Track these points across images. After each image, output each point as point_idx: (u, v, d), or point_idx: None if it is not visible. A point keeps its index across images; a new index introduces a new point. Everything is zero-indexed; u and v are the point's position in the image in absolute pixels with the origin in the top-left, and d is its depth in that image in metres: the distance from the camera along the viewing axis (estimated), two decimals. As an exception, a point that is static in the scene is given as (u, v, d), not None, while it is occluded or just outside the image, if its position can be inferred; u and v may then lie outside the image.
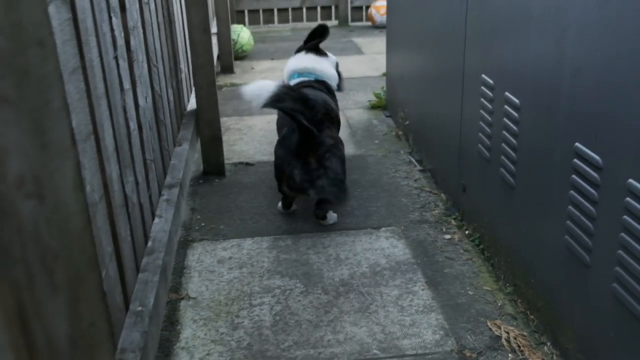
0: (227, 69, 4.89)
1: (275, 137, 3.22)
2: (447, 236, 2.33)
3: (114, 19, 1.54)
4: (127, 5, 1.71)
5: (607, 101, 1.35)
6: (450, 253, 2.22)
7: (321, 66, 2.91)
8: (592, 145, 1.41)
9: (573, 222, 1.51)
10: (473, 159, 2.24)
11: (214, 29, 4.86)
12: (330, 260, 2.21)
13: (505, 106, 1.88)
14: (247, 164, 3.10)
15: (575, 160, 1.48)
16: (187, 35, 2.87)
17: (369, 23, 6.78)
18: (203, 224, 2.51)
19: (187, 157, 2.37)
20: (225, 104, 4.10)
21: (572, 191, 1.51)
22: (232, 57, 4.87)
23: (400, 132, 3.40)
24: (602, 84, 1.36)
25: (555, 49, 1.55)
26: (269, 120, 3.73)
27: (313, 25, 6.90)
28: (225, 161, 3.12)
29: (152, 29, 2.14)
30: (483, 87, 2.08)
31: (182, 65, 2.89)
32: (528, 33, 1.70)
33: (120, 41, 1.61)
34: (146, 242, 1.73)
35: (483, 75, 2.08)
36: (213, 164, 2.93)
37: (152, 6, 2.18)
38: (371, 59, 5.23)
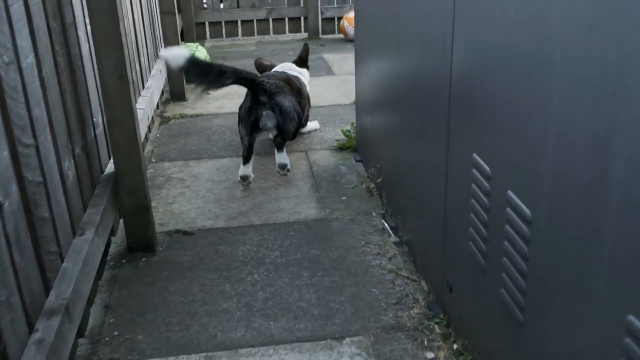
0: (178, 96, 4.30)
1: (223, 192, 2.88)
2: (430, 354, 1.79)
3: None
4: (-51, 84, 1.14)
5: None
6: (434, 384, 1.69)
7: (300, 70, 3.55)
8: (661, 331, 0.88)
9: None
10: (462, 256, 1.70)
11: (161, 51, 4.27)
12: (275, 398, 1.66)
13: (509, 210, 1.35)
14: (185, 232, 2.53)
15: (630, 339, 0.95)
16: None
17: (342, 36, 6.23)
18: (116, 333, 1.94)
19: (87, 255, 1.79)
20: (170, 143, 3.53)
21: (621, 380, 0.98)
22: (183, 82, 4.29)
23: (372, 185, 2.86)
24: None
25: (591, 157, 1.01)
26: (219, 167, 3.17)
27: (280, 38, 6.34)
28: (159, 228, 2.55)
29: (28, 91, 1.57)
30: (475, 171, 1.54)
31: (98, 118, 2.31)
32: (544, 123, 1.16)
33: None
34: None
35: (475, 156, 1.54)
36: (139, 238, 2.36)
37: (30, 59, 1.60)
38: (342, 81, 4.68)
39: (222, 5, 6.34)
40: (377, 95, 2.68)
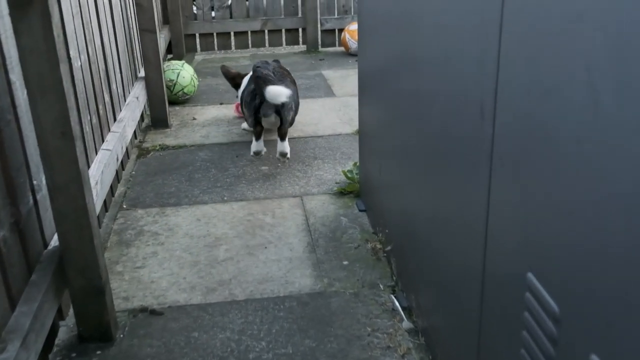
0: (160, 123, 3.85)
1: (203, 252, 2.46)
2: None
3: None
4: None
5: None
6: None
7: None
8: None
9: None
10: (506, 396, 1.26)
11: (141, 72, 3.83)
12: None
13: (594, 384, 0.90)
14: (153, 312, 2.09)
15: None
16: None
17: (343, 49, 5.78)
18: None
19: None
20: (146, 183, 3.08)
21: None
22: (165, 107, 3.83)
23: (378, 245, 2.41)
24: None
25: None
26: (200, 217, 2.72)
27: (277, 51, 5.89)
28: (122, 304, 2.11)
29: None
30: (530, 297, 1.09)
31: (41, 180, 1.87)
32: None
33: None
34: None
35: (531, 277, 1.09)
36: (93, 326, 1.91)
37: None
38: (344, 104, 4.23)
39: (213, 14, 5.88)
40: (386, 137, 2.23)
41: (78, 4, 2.48)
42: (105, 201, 2.65)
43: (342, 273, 2.27)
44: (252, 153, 3.16)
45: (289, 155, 3.15)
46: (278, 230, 2.59)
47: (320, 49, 5.89)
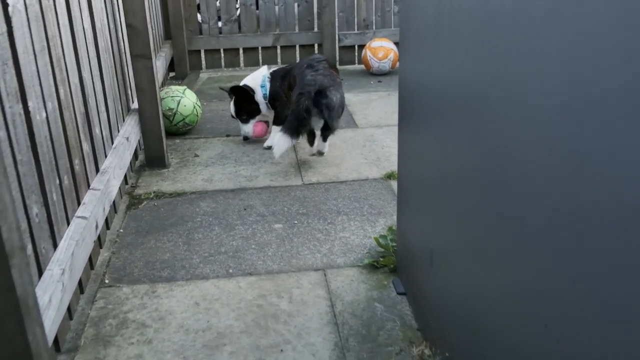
0: (156, 162, 3.31)
1: (201, 355, 1.93)
2: None
3: None
4: None
5: None
6: None
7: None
8: None
9: None
10: None
11: (134, 104, 3.30)
12: None
13: None
14: None
15: None
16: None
17: (363, 67, 5.24)
18: None
19: None
20: (135, 245, 2.55)
21: None
22: (163, 144, 3.29)
23: (426, 348, 1.87)
24: None
25: None
26: (199, 299, 2.18)
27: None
28: None
29: None
30: None
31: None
32: None
33: None
34: None
35: None
36: None
37: None
38: (368, 138, 3.68)
39: (220, 24, 5.32)
40: (445, 202, 1.69)
41: (44, 38, 1.95)
42: (80, 280, 2.12)
43: (382, 397, 1.73)
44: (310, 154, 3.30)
45: (325, 153, 3.28)
46: (297, 323, 2.05)
47: (338, 66, 5.34)
